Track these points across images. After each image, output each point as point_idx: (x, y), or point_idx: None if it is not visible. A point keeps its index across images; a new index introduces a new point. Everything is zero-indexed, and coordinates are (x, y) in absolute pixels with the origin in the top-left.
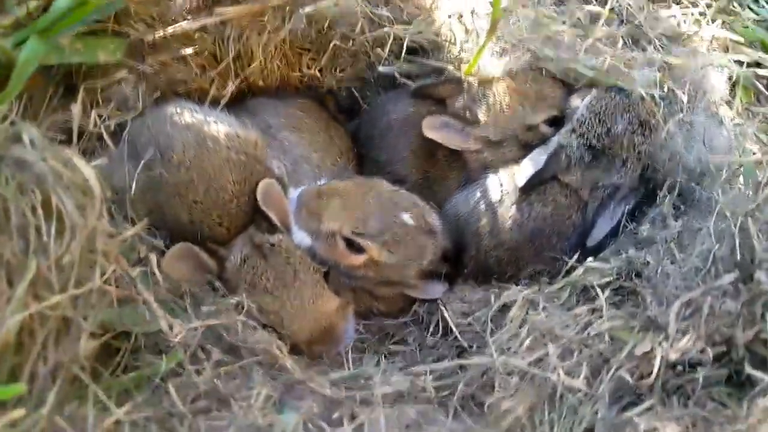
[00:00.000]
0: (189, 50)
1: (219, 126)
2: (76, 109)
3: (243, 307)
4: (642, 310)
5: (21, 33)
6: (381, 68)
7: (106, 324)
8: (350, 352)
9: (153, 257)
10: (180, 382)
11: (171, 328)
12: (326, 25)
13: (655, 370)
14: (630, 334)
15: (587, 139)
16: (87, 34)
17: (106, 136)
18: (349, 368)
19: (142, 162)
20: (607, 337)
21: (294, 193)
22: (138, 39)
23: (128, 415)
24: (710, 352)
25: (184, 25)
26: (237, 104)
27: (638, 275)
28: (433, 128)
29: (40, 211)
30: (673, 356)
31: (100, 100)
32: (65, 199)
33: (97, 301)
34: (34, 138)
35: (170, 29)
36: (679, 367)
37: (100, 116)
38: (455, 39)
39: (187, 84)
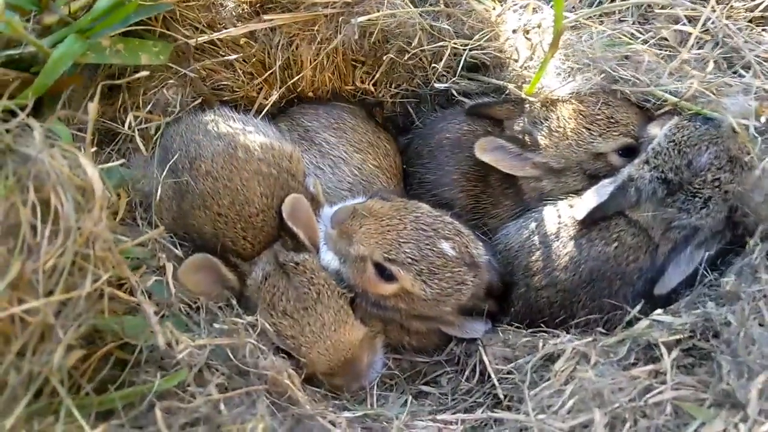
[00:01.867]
0: (236, 56)
1: (254, 136)
2: (91, 108)
3: (257, 328)
4: (717, 380)
5: (62, 32)
6: (437, 84)
7: (106, 334)
8: (375, 388)
9: (170, 266)
10: (176, 404)
11: (177, 342)
12: (382, 37)
13: None
14: (699, 409)
15: (662, 171)
16: (133, 35)
17: (138, 139)
18: (372, 406)
19: (167, 168)
20: (669, 409)
21: (328, 211)
22: (184, 43)
23: None
24: None
25: (231, 30)
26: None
27: (716, 336)
28: (487, 150)
29: (38, 209)
30: None
31: (141, 104)
32: (64, 198)
33: (84, 310)
34: (41, 135)
35: (216, 34)
36: None
37: (136, 118)
38: (519, 56)
39: (233, 91)
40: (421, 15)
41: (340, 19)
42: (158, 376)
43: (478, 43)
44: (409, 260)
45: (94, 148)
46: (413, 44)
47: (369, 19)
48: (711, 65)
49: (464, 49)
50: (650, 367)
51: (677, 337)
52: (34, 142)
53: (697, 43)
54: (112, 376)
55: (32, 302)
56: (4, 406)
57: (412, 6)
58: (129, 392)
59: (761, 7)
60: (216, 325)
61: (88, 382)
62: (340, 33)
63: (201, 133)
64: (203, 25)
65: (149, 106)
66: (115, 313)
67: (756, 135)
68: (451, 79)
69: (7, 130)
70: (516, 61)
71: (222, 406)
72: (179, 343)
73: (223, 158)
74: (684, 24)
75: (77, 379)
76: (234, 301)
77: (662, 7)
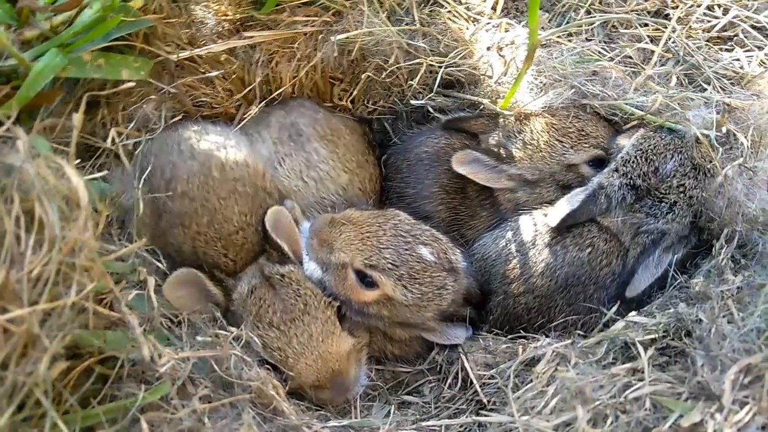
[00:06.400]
0: (216, 73)
1: (228, 153)
2: (76, 118)
3: (241, 340)
4: (692, 374)
5: (43, 46)
6: (413, 101)
7: (88, 347)
8: (359, 399)
9: (151, 280)
10: (161, 416)
11: (159, 356)
12: (360, 55)
13: None
14: (676, 402)
15: (631, 178)
16: (114, 51)
17: (122, 155)
18: (355, 417)
19: (140, 187)
20: (648, 403)
21: (307, 224)
22: (165, 59)
23: None
24: None
25: (212, 47)
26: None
27: (688, 334)
28: (463, 163)
29: (21, 219)
30: (728, 431)
31: (121, 119)
32: (48, 208)
33: (68, 320)
34: (26, 144)
35: (197, 50)
36: None
37: (119, 134)
38: (493, 72)
39: (212, 107)
40: (398, 33)
41: (320, 37)
42: (141, 390)
43: (454, 61)
44: (390, 266)
45: (78, 161)
46: (390, 62)
47: (347, 37)
48: (674, 80)
49: (440, 67)
50: (628, 365)
51: (652, 336)
52: (18, 153)
53: (660, 60)
54: (94, 391)
55: (17, 311)
56: None
57: (389, 25)
58: (112, 406)
59: (717, 28)
60: (199, 338)
61: (71, 396)
62: (319, 51)
63: (175, 153)
64: (184, 42)
65: (133, 123)
66: (95, 328)
67: (717, 145)
68: (427, 95)
69: None
70: (490, 77)
71: (206, 419)
72: (162, 356)
73: (199, 179)
74: (647, 42)
75: (60, 392)
76: (218, 314)
77: (626, 27)
